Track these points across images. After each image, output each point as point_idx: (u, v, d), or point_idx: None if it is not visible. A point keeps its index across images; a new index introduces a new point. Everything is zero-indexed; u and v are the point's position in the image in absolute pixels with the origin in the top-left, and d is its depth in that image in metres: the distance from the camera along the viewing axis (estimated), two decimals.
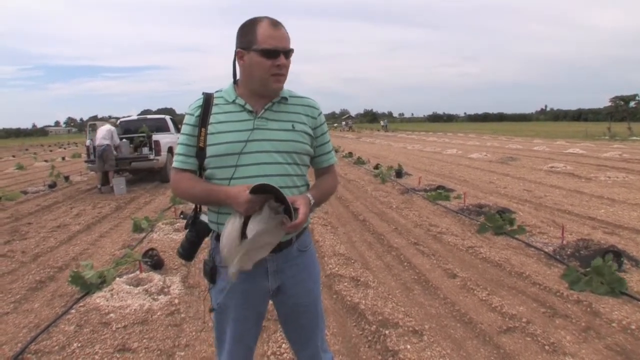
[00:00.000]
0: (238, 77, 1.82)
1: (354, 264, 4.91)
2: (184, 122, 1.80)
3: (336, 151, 21.27)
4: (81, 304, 4.03)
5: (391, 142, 31.53)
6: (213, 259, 1.82)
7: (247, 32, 1.70)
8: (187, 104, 1.87)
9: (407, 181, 10.94)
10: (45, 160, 23.77)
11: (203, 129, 1.73)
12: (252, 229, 1.60)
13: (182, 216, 7.34)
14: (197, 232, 1.84)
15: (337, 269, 4.70)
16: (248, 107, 1.74)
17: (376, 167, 13.67)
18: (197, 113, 1.76)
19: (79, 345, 3.33)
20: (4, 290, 4.60)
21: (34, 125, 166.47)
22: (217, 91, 1.83)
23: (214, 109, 1.76)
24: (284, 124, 1.76)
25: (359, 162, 15.72)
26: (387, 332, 3.32)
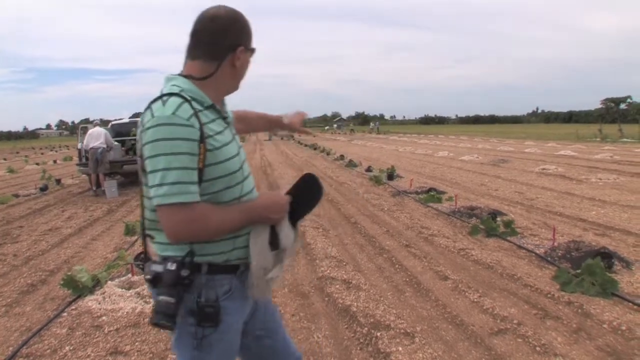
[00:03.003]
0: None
1: (345, 266, 4.92)
2: (178, 136, 1.31)
3: (327, 154, 21.29)
4: (73, 307, 4.01)
5: (383, 145, 31.58)
6: (217, 297, 1.43)
7: (247, 29, 1.51)
8: None
9: (398, 183, 10.97)
10: (37, 163, 23.61)
11: (202, 145, 1.34)
12: (287, 236, 1.51)
13: None
14: (190, 282, 1.38)
15: (328, 271, 4.71)
16: (222, 113, 1.52)
17: (368, 169, 13.73)
18: (197, 124, 1.35)
19: (71, 348, 3.31)
20: None
21: (25, 128, 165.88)
22: (180, 92, 1.40)
23: (202, 118, 1.38)
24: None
25: (351, 164, 15.74)
26: (378, 334, 3.33)
